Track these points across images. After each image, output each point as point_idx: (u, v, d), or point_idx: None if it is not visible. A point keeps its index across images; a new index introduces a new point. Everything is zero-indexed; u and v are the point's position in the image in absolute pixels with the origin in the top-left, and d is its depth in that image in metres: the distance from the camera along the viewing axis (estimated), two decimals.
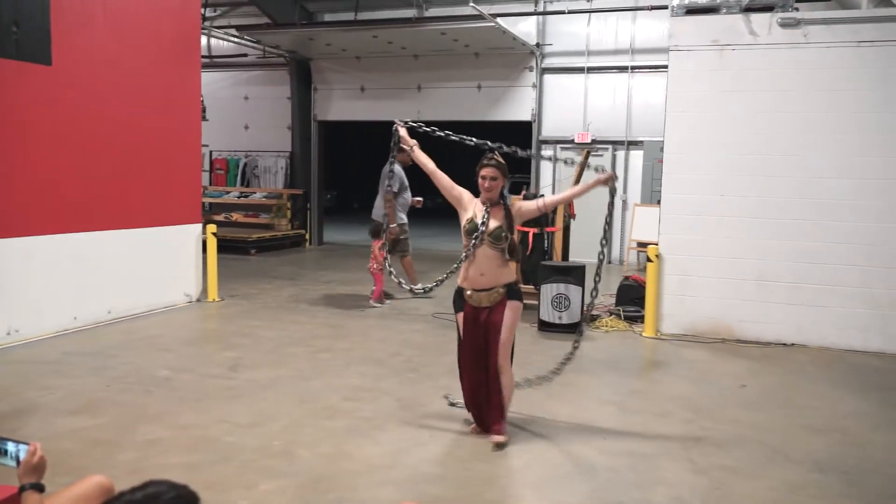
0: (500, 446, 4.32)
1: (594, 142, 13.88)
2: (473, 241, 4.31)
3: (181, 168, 8.73)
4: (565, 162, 6.65)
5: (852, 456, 4.44)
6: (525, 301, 8.45)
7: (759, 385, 5.96)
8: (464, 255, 4.37)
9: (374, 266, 9.14)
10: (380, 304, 9.06)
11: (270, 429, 4.62)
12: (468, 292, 4.38)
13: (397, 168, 9.02)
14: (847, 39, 7.07)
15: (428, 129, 4.84)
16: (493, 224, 4.32)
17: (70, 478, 2.10)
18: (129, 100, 7.86)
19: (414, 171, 4.91)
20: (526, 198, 8.72)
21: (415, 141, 4.67)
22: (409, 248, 9.54)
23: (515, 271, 4.65)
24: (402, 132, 4.71)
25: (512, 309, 4.38)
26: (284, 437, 4.48)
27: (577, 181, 9.40)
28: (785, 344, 7.31)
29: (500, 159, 4.41)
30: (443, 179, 4.49)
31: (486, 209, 4.38)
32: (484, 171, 4.38)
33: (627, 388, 5.82)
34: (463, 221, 4.42)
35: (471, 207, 4.44)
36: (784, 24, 7.23)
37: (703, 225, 7.56)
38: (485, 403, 4.44)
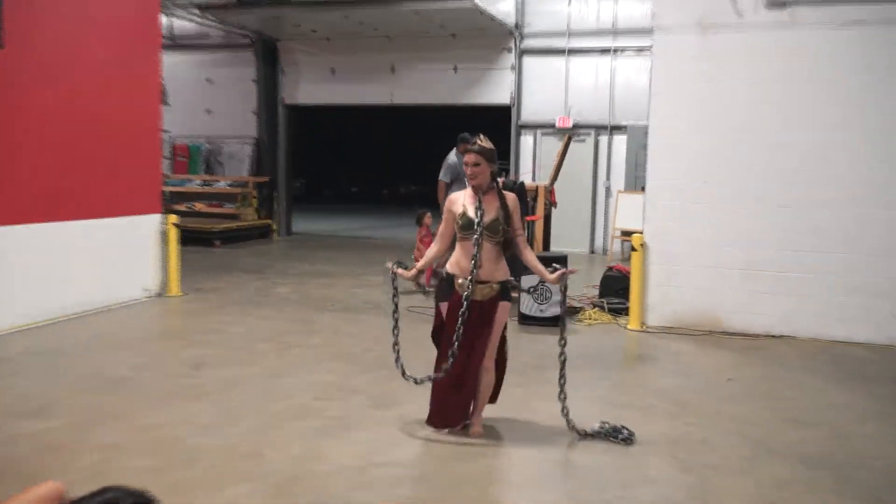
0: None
1: (576, 127, 13.94)
2: (476, 237, 4.22)
3: (140, 155, 8.63)
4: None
5: (840, 449, 4.52)
6: None
7: (744, 378, 6.05)
8: (473, 255, 4.25)
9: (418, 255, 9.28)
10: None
11: (237, 429, 4.60)
12: (459, 280, 4.32)
13: (452, 158, 9.20)
14: (834, 21, 7.16)
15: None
16: (488, 217, 4.27)
17: (23, 485, 2.07)
18: (85, 83, 7.75)
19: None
20: (504, 185, 8.74)
21: (412, 273, 4.52)
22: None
23: None
24: (401, 272, 4.52)
25: (503, 310, 4.39)
26: (252, 438, 4.47)
27: (558, 168, 9.47)
28: (773, 335, 7.42)
29: (485, 143, 4.33)
30: (447, 236, 4.48)
31: (478, 199, 4.31)
32: (466, 158, 4.37)
33: (611, 382, 5.88)
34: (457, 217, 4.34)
35: (460, 201, 4.38)
36: (770, 5, 7.29)
37: (689, 212, 7.63)
38: (452, 396, 4.44)
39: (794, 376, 6.15)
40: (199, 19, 14.68)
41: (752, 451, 4.46)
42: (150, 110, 8.80)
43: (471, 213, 4.28)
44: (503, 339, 4.57)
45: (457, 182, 9.30)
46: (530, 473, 4.08)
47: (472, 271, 4.25)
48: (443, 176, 9.15)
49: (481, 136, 4.42)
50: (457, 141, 9.36)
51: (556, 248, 9.81)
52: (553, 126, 14.13)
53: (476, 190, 4.33)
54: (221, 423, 4.72)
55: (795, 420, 5.03)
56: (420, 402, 5.12)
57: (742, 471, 4.17)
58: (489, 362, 4.41)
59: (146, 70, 8.68)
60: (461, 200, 4.38)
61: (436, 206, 10.21)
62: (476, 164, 4.29)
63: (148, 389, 5.38)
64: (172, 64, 15.33)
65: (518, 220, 4.37)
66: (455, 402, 4.48)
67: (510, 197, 4.35)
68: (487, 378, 4.45)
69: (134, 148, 8.51)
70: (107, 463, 4.06)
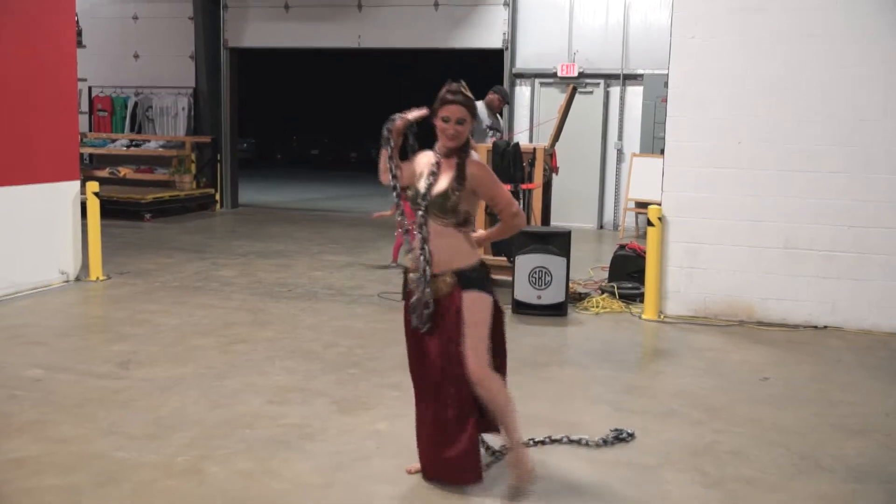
0: (516, 493, 4.03)
1: (582, 76, 13.91)
2: (420, 213, 3.94)
3: (50, 110, 8.52)
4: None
5: (895, 461, 4.57)
6: (496, 277, 8.65)
7: (783, 377, 6.09)
8: (410, 230, 4.00)
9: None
10: None
11: (173, 441, 4.59)
12: (410, 274, 4.07)
13: (481, 107, 9.53)
14: None
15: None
16: (437, 187, 3.95)
17: None
18: None
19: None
20: (496, 147, 8.74)
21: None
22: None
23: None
24: (399, 123, 4.07)
25: (471, 302, 3.95)
26: (191, 451, 4.46)
27: (561, 126, 9.45)
28: (816, 326, 7.48)
29: (468, 93, 4.05)
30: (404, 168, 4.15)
31: (434, 165, 4.02)
32: (447, 111, 3.96)
33: (623, 383, 5.90)
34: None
35: (423, 162, 4.11)
36: None
37: (716, 180, 7.64)
38: (428, 441, 4.11)
39: (843, 375, 6.20)
40: None
41: (792, 463, 4.50)
42: (61, 55, 8.67)
43: (422, 182, 4.00)
44: (498, 340, 4.18)
45: (477, 135, 9.53)
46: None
47: (425, 267, 3.92)
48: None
49: (463, 83, 4.08)
50: (493, 91, 9.57)
51: (557, 222, 9.82)
52: (554, 75, 14.09)
53: (443, 153, 4.03)
54: (153, 433, 4.69)
55: (844, 427, 5.08)
56: (394, 405, 5.13)
57: (779, 487, 4.20)
58: (477, 368, 3.93)
59: (56, 5, 8.55)
60: (425, 161, 4.10)
61: None
62: (461, 121, 3.95)
63: (63, 394, 5.34)
64: None
65: (498, 192, 4.06)
66: (452, 457, 4.03)
67: (474, 166, 3.98)
68: (491, 387, 3.97)
69: (42, 101, 8.39)
70: (14, 482, 4.03)
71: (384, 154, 4.05)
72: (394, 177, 4.03)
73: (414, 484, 4.14)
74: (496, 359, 4.12)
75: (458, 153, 3.99)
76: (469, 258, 4.00)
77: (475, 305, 3.96)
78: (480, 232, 4.28)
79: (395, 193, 4.03)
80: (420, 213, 3.94)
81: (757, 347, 6.90)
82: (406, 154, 4.12)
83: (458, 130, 3.96)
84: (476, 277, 3.99)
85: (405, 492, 4.07)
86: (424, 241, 3.92)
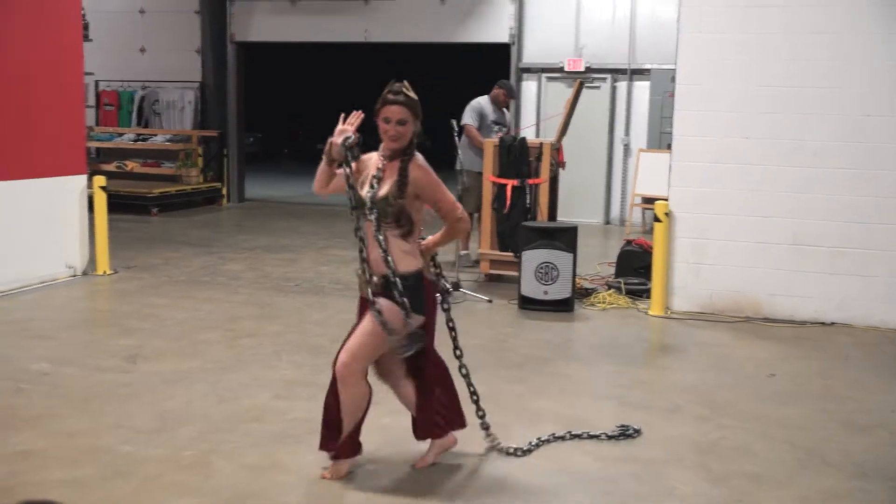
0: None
1: (589, 70, 13.89)
2: (362, 217, 3.93)
3: (57, 103, 8.53)
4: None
5: None
6: (502, 272, 8.70)
7: (790, 373, 6.09)
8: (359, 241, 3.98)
9: None
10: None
11: (180, 435, 4.60)
12: (358, 272, 4.02)
13: (481, 103, 9.73)
14: None
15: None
16: (380, 192, 3.91)
17: None
18: None
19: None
20: (502, 142, 8.73)
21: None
22: (469, 203, 9.06)
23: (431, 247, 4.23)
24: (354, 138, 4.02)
25: (385, 311, 3.87)
26: (198, 445, 4.47)
27: (567, 121, 9.44)
28: (824, 323, 7.47)
29: (411, 93, 3.99)
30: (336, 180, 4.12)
31: (379, 169, 3.97)
32: (388, 111, 3.92)
33: (629, 379, 5.90)
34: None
35: (371, 163, 4.06)
36: None
37: (724, 175, 7.63)
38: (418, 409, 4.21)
39: (851, 372, 6.20)
40: None
41: (797, 459, 4.51)
42: (69, 48, 8.67)
43: (366, 187, 3.96)
44: (424, 359, 4.16)
45: (483, 130, 9.57)
46: (534, 484, 4.11)
47: (362, 264, 3.94)
48: (470, 120, 9.59)
49: (406, 83, 4.02)
50: (498, 86, 9.62)
51: (564, 217, 9.81)
52: (561, 69, 14.07)
53: (387, 156, 4.00)
54: (159, 427, 4.71)
55: (852, 424, 5.08)
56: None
57: (785, 483, 4.21)
58: (342, 370, 3.96)
59: None
60: (371, 163, 4.07)
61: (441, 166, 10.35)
62: (402, 122, 3.91)
63: (71, 387, 5.37)
64: None
65: (441, 196, 4.02)
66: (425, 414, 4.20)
67: (416, 170, 3.96)
68: (345, 393, 4.01)
69: (49, 95, 8.40)
70: (20, 475, 4.03)
71: (330, 169, 4.03)
72: (351, 187, 3.96)
73: (421, 475, 4.15)
74: (424, 373, 4.18)
75: (402, 155, 3.97)
76: (402, 266, 3.92)
77: (385, 313, 3.87)
78: (429, 239, 4.24)
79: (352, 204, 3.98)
80: (362, 217, 3.93)
81: (764, 343, 6.89)
82: (348, 163, 4.03)
83: (399, 131, 3.92)
84: (401, 287, 3.89)
85: (411, 486, 4.08)
86: (363, 241, 3.94)
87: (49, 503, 2.01)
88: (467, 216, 4.27)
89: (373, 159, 4.06)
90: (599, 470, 4.30)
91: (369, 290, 3.91)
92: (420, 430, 4.27)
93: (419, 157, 4.00)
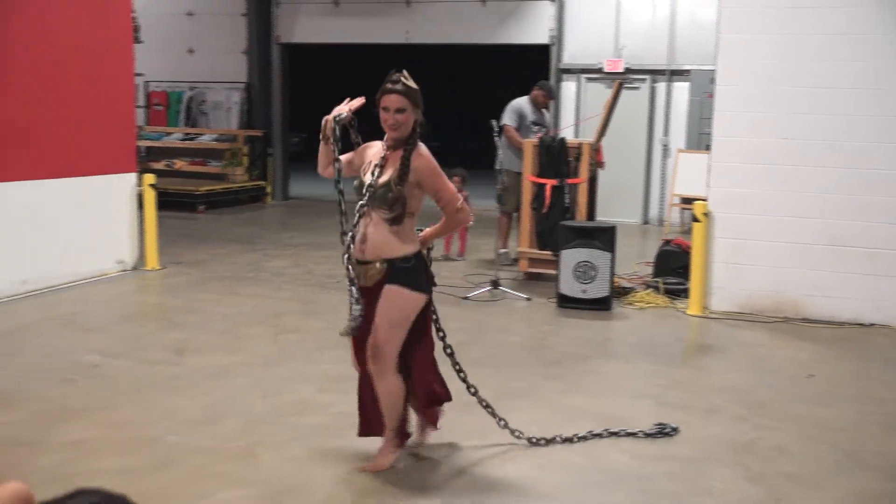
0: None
1: (628, 71, 13.79)
2: (363, 203, 3.98)
3: (109, 103, 8.66)
4: None
5: None
6: (541, 270, 8.69)
7: (829, 375, 6.02)
8: (356, 220, 4.06)
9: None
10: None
11: (226, 427, 4.66)
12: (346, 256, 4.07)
13: (521, 104, 9.75)
14: None
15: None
16: (382, 179, 3.96)
17: None
18: (41, 17, 7.77)
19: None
20: (542, 142, 8.73)
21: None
22: (508, 203, 9.29)
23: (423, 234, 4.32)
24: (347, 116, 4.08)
25: (390, 298, 3.96)
26: (244, 437, 4.53)
27: (606, 121, 9.40)
28: (862, 324, 7.38)
29: (410, 83, 3.99)
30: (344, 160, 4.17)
31: (382, 157, 4.02)
32: (387, 101, 3.94)
33: (667, 378, 5.88)
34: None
35: (371, 152, 4.15)
36: None
37: (763, 176, 7.56)
38: (371, 405, 4.21)
39: (889, 373, 6.12)
40: None
41: (836, 460, 4.46)
42: (120, 50, 8.80)
43: (368, 174, 4.02)
44: (419, 339, 4.18)
45: (522, 131, 9.59)
46: (568, 483, 4.11)
47: (348, 247, 4.02)
48: (509, 121, 9.61)
49: (405, 72, 4.02)
50: (538, 87, 9.66)
51: (602, 217, 9.76)
52: (600, 70, 13.98)
53: (389, 145, 4.05)
54: (206, 419, 4.78)
55: (890, 426, 5.01)
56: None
57: (822, 484, 4.17)
58: (380, 364, 4.01)
59: (115, 1, 8.67)
60: (373, 152, 4.14)
61: (464, 164, 10.36)
62: (400, 111, 3.91)
63: (120, 379, 5.45)
64: None
65: (442, 186, 4.06)
66: (375, 409, 4.19)
67: (419, 159, 3.98)
68: (382, 386, 4.05)
69: (102, 94, 8.53)
70: (71, 464, 4.13)
71: (327, 148, 4.08)
72: (338, 171, 4.06)
73: (458, 470, 4.18)
74: (415, 353, 4.18)
75: (405, 145, 3.99)
76: (402, 249, 3.99)
77: (393, 298, 3.97)
78: (426, 230, 4.29)
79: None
80: (362, 202, 3.99)
81: (802, 344, 6.82)
82: (351, 147, 4.15)
83: (397, 120, 3.93)
84: (404, 269, 3.98)
85: (449, 478, 4.10)
86: (355, 227, 4.02)
87: (102, 491, 2.05)
88: (467, 208, 4.30)
89: (376, 148, 4.13)
90: (636, 468, 4.30)
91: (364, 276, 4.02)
92: (422, 401, 4.26)
93: (422, 146, 4.03)
